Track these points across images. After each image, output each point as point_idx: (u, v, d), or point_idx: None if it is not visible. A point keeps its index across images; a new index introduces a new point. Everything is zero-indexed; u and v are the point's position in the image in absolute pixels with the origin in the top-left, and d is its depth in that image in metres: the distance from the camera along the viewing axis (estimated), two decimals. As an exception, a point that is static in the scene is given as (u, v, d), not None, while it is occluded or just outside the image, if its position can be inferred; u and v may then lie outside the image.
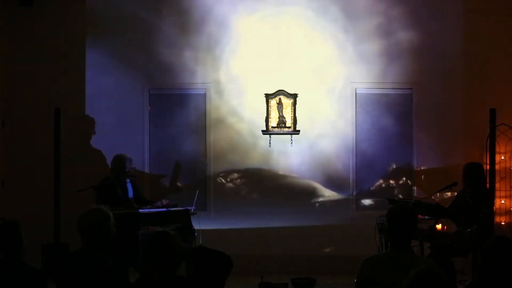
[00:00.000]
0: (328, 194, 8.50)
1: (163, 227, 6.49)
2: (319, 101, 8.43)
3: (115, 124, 8.41)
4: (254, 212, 8.34)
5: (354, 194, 8.51)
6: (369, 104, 8.53)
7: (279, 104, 8.25)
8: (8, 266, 3.97)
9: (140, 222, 7.03)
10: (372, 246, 6.72)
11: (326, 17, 8.44)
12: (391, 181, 8.58)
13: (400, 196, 8.23)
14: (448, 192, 7.74)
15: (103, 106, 8.45)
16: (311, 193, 8.49)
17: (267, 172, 8.47)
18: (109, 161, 7.76)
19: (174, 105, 8.55)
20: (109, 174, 7.46)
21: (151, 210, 7.18)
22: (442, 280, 2.97)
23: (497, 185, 7.92)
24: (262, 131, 8.29)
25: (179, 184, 8.56)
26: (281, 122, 8.26)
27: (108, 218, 4.03)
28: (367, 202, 8.56)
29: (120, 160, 7.44)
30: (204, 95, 8.52)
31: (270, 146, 8.36)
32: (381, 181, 8.57)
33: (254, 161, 8.46)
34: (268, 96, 8.25)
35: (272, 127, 8.27)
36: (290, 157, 8.44)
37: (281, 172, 8.47)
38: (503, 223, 8.23)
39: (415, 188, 8.50)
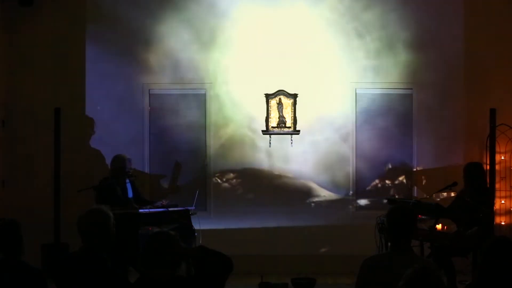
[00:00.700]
0: (327, 194, 8.49)
1: (163, 227, 6.49)
2: (319, 101, 8.43)
3: (115, 124, 8.41)
4: (254, 212, 8.34)
5: (354, 194, 8.52)
6: (369, 104, 8.53)
7: (279, 104, 8.25)
8: (8, 266, 3.97)
9: (140, 222, 7.03)
10: (372, 246, 6.72)
11: (326, 17, 8.44)
12: (391, 181, 8.58)
13: (400, 196, 8.22)
14: (448, 192, 7.73)
15: (103, 106, 8.45)
16: (311, 193, 8.48)
17: (267, 172, 8.47)
18: (108, 161, 7.76)
19: (174, 105, 8.55)
20: (108, 175, 7.45)
21: (151, 210, 7.18)
22: (438, 280, 2.96)
23: (497, 185, 7.93)
24: (262, 131, 8.29)
25: (179, 184, 8.56)
26: (281, 122, 8.26)
27: (108, 218, 4.03)
28: (367, 202, 8.56)
29: (120, 161, 7.43)
30: (204, 95, 8.53)
31: (270, 146, 8.36)
32: (381, 181, 8.57)
33: (254, 161, 8.47)
34: (268, 96, 8.25)
35: (272, 127, 8.27)
36: (290, 157, 8.44)
37: (280, 172, 8.47)
38: (503, 223, 8.23)
39: (415, 188, 8.50)
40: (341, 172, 8.47)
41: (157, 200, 7.67)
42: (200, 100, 8.55)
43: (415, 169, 8.50)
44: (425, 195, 7.97)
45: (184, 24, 8.46)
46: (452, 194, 7.86)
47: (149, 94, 8.55)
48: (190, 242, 6.98)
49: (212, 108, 8.49)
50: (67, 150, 7.99)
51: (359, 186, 8.54)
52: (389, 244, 4.62)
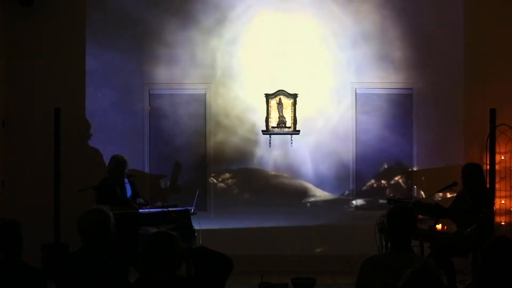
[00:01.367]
0: (327, 194, 8.50)
1: (160, 227, 6.49)
2: (319, 101, 8.43)
3: (115, 124, 8.42)
4: (254, 212, 8.34)
5: (354, 194, 8.52)
6: (369, 104, 8.53)
7: (279, 104, 8.25)
8: (8, 266, 3.97)
9: (140, 222, 7.02)
10: (372, 246, 6.72)
11: (326, 17, 8.44)
12: (391, 181, 8.58)
13: (400, 196, 8.22)
14: (448, 192, 7.74)
15: (103, 106, 8.45)
16: (311, 193, 8.48)
17: (267, 172, 8.47)
18: (108, 161, 7.74)
19: (174, 105, 8.55)
20: (107, 175, 7.43)
21: (151, 210, 7.18)
22: (438, 280, 2.96)
23: (497, 185, 7.92)
24: (262, 131, 8.30)
25: (179, 184, 8.55)
26: (281, 122, 8.26)
27: (108, 218, 4.03)
28: (367, 202, 8.56)
29: (118, 162, 7.40)
30: (204, 95, 8.53)
31: (270, 146, 8.36)
32: (381, 181, 8.57)
33: (254, 161, 8.47)
34: (268, 96, 8.25)
35: (272, 127, 8.27)
36: (290, 157, 8.44)
37: (280, 173, 8.48)
38: (503, 223, 8.23)
39: (415, 188, 8.50)
40: (341, 172, 8.47)
41: (155, 200, 7.66)
42: (200, 100, 8.55)
43: (415, 169, 8.50)
44: (425, 195, 7.98)
45: (184, 25, 8.46)
46: (449, 195, 7.87)
47: (149, 94, 8.55)
48: (190, 242, 6.98)
49: (212, 108, 8.49)
50: (67, 150, 7.98)
51: (359, 186, 8.54)
52: (389, 244, 4.63)
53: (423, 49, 8.43)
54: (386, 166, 8.57)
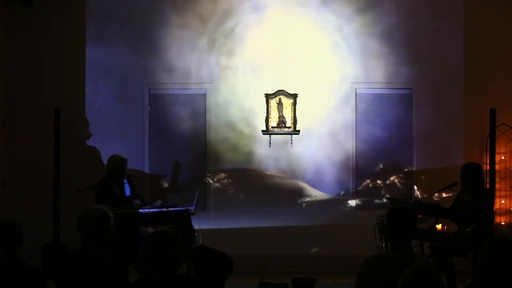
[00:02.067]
0: (327, 194, 8.50)
1: (156, 228, 6.49)
2: (319, 101, 8.44)
3: (115, 124, 8.42)
4: (253, 212, 8.34)
5: (354, 194, 8.52)
6: (369, 104, 8.54)
7: (279, 104, 8.25)
8: (7, 265, 3.96)
9: (140, 222, 7.01)
10: (372, 246, 6.72)
11: (326, 17, 8.44)
12: (391, 181, 8.58)
13: (400, 196, 8.22)
14: (448, 192, 7.73)
15: (103, 106, 8.45)
16: (311, 193, 8.49)
17: (267, 172, 8.47)
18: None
19: (174, 105, 8.55)
20: (105, 176, 7.40)
21: (151, 210, 7.17)
22: (438, 280, 2.96)
23: (497, 185, 7.93)
24: (262, 131, 8.30)
25: (179, 184, 8.55)
26: (281, 122, 8.26)
27: (108, 218, 4.03)
28: (367, 202, 8.56)
29: (118, 161, 7.37)
30: (204, 95, 8.53)
31: (270, 146, 8.36)
32: (381, 181, 8.57)
33: (254, 161, 8.47)
34: (268, 96, 8.26)
35: (272, 127, 8.27)
36: (290, 157, 8.44)
37: (279, 172, 8.48)
38: (503, 223, 8.23)
39: (415, 188, 8.50)
40: (341, 172, 8.47)
41: (154, 201, 7.66)
42: (200, 100, 8.55)
43: (415, 169, 8.50)
44: (425, 195, 7.98)
45: (184, 25, 8.46)
46: (445, 194, 7.86)
47: (149, 94, 8.55)
48: (190, 242, 6.98)
49: (212, 108, 8.49)
50: (67, 150, 7.98)
51: (359, 186, 8.54)
52: (389, 244, 4.63)
53: (423, 49, 8.43)
54: (386, 166, 8.57)
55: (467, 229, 6.42)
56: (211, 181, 8.52)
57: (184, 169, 8.56)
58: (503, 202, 8.21)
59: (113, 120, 8.43)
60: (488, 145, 7.91)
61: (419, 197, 8.21)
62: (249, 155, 8.47)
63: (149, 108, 8.55)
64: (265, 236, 8.25)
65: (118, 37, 8.47)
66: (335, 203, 8.48)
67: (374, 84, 8.48)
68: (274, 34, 8.42)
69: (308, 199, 8.50)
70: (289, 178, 8.47)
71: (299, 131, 8.25)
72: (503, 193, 8.20)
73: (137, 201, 7.33)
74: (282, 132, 8.27)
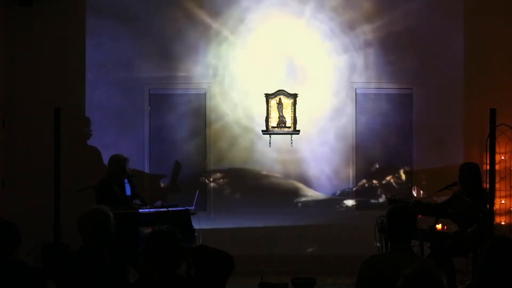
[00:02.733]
0: (327, 194, 8.50)
1: (154, 228, 6.48)
2: (319, 101, 8.44)
3: (115, 124, 8.42)
4: (253, 212, 8.34)
5: (354, 194, 8.52)
6: (369, 104, 8.54)
7: (279, 104, 8.25)
8: (6, 264, 3.96)
9: (140, 222, 7.02)
10: (372, 246, 6.72)
11: (326, 17, 8.44)
12: (391, 181, 8.58)
13: (400, 196, 8.21)
14: (448, 192, 7.73)
15: (103, 106, 8.45)
16: (311, 193, 8.48)
17: (267, 172, 8.47)
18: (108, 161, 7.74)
19: (174, 105, 8.55)
20: (105, 176, 7.41)
21: (151, 210, 7.18)
22: (437, 280, 2.96)
23: (497, 185, 7.91)
24: (262, 131, 8.30)
25: (179, 184, 8.55)
26: (281, 122, 8.26)
27: (108, 218, 4.03)
28: (367, 201, 8.56)
29: (119, 161, 7.39)
30: (204, 95, 8.53)
31: (270, 146, 8.36)
32: (381, 181, 8.57)
33: (254, 161, 8.47)
34: (268, 96, 8.26)
35: (272, 127, 8.27)
36: (290, 157, 8.43)
37: (279, 172, 8.48)
38: (503, 223, 8.22)
39: (415, 188, 8.50)
40: (341, 172, 8.47)
41: (154, 201, 7.66)
42: (200, 100, 8.55)
43: (415, 169, 8.50)
44: (425, 195, 7.97)
45: (184, 25, 8.46)
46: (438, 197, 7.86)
47: (149, 94, 8.55)
48: (190, 242, 6.98)
49: (212, 108, 8.49)
50: (67, 150, 7.98)
51: (359, 186, 8.54)
52: (389, 244, 4.63)
53: (423, 49, 8.43)
54: (386, 166, 8.57)
55: (469, 230, 6.42)
56: (211, 181, 8.52)
57: (184, 169, 8.56)
58: (503, 202, 8.21)
59: (113, 120, 8.43)
60: (488, 145, 7.90)
61: (420, 197, 8.20)
62: (249, 155, 8.47)
63: (149, 108, 8.55)
64: (265, 236, 8.24)
65: (118, 37, 8.46)
66: (335, 203, 8.49)
67: (374, 84, 8.48)
68: (274, 34, 8.41)
69: (307, 199, 8.50)
70: (288, 178, 8.47)
71: (299, 131, 8.25)
72: (503, 193, 8.20)
73: (137, 201, 7.33)
74: (282, 132, 8.27)
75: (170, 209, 7.23)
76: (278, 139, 8.35)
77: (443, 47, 8.44)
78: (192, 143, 8.56)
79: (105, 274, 3.87)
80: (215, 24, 8.46)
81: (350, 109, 8.49)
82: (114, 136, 8.37)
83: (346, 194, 8.51)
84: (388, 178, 8.58)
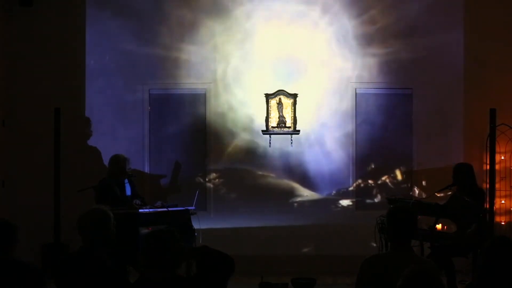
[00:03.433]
0: (327, 194, 8.50)
1: (153, 228, 6.48)
2: (319, 101, 8.44)
3: (115, 124, 8.42)
4: (253, 212, 8.34)
5: (354, 193, 8.52)
6: (369, 104, 8.53)
7: (279, 104, 8.25)
8: (5, 264, 3.95)
9: (140, 222, 7.02)
10: (372, 246, 6.72)
11: (326, 17, 8.44)
12: (391, 181, 8.58)
13: (400, 196, 8.21)
14: (448, 192, 7.73)
15: (103, 106, 8.45)
16: (310, 192, 8.48)
17: (267, 172, 8.47)
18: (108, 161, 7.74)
19: (174, 105, 8.55)
20: (106, 176, 7.41)
21: (151, 210, 7.18)
22: (437, 280, 2.96)
23: (497, 185, 7.91)
24: (262, 131, 8.30)
25: (179, 184, 8.55)
26: (281, 122, 8.26)
27: (108, 218, 4.03)
28: (367, 202, 8.56)
29: (119, 161, 7.39)
30: (204, 95, 8.53)
31: (270, 146, 8.36)
32: (381, 181, 8.57)
33: (254, 161, 8.47)
34: (268, 96, 8.25)
35: (272, 127, 8.27)
36: (290, 157, 8.44)
37: (279, 172, 8.47)
38: (503, 223, 8.22)
39: (415, 188, 8.50)
40: (340, 172, 8.47)
41: (154, 201, 7.66)
42: (200, 100, 8.56)
43: (415, 169, 8.50)
44: (425, 195, 7.97)
45: (184, 25, 8.46)
46: (437, 195, 7.86)
47: (149, 94, 8.55)
48: (190, 242, 6.98)
49: (212, 108, 8.49)
50: (67, 150, 7.98)
51: (359, 186, 8.54)
52: (389, 244, 4.63)
53: (423, 49, 8.43)
54: (386, 166, 8.57)
55: (469, 230, 6.42)
56: (211, 181, 8.52)
57: (184, 169, 8.56)
58: (503, 202, 8.21)
59: (113, 120, 8.43)
60: (488, 145, 7.90)
61: (420, 197, 8.20)
62: (249, 155, 8.46)
63: (149, 108, 8.55)
64: (265, 236, 8.24)
65: (118, 37, 8.46)
66: (334, 203, 8.48)
67: (374, 84, 8.48)
68: (274, 34, 8.41)
69: (307, 199, 8.49)
70: (289, 178, 8.47)
71: (299, 131, 8.25)
72: (503, 193, 8.19)
73: (137, 201, 7.34)
74: (282, 132, 8.27)
75: (170, 209, 7.23)
76: (278, 139, 8.35)
77: (443, 47, 8.44)
78: (192, 143, 8.56)
79: (105, 274, 3.87)
80: (215, 24, 8.46)
81: (350, 109, 8.49)
82: (114, 136, 8.36)
83: (346, 194, 8.51)
84: (388, 178, 8.58)
